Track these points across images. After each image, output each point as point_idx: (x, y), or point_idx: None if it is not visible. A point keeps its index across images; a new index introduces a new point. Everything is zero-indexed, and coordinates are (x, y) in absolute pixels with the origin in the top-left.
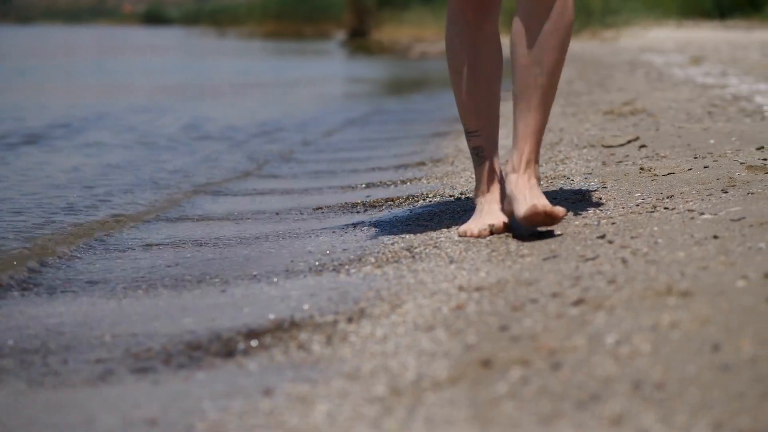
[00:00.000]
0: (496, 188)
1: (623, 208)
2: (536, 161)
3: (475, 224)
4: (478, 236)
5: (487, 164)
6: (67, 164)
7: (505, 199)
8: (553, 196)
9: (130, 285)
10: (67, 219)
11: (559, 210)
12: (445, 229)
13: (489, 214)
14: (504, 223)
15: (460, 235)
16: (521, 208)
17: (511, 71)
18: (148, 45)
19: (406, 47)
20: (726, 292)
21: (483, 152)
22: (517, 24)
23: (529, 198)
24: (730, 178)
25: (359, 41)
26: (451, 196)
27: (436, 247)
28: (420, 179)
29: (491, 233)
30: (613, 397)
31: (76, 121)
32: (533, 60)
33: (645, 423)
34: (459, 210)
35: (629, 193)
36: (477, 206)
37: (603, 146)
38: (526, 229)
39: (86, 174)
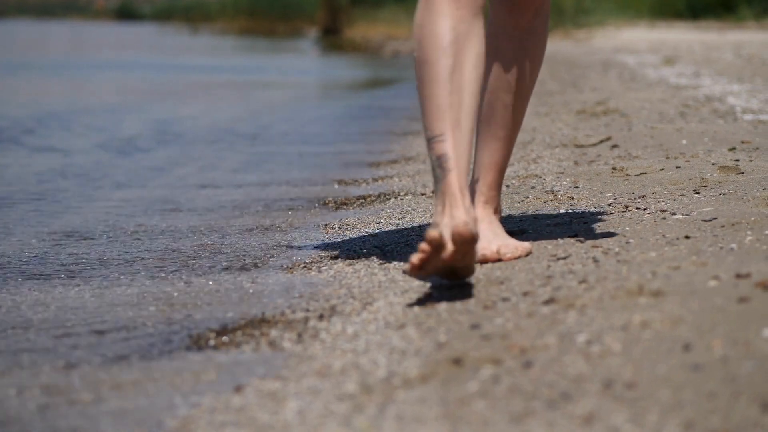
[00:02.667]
0: (460, 208)
1: (595, 207)
2: (498, 192)
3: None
4: (430, 245)
5: (451, 178)
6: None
7: None
8: (524, 195)
9: (100, 273)
10: (46, 209)
11: (518, 251)
12: (417, 228)
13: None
14: (465, 223)
15: (405, 272)
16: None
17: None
18: (120, 41)
19: (379, 45)
20: (697, 293)
21: (447, 162)
22: (489, 43)
23: (485, 235)
24: (702, 178)
25: (332, 39)
26: (422, 194)
27: (407, 245)
28: (392, 177)
29: (446, 249)
30: (584, 397)
31: (41, 119)
32: (504, 84)
33: (616, 422)
34: (431, 208)
35: (601, 193)
36: None
37: (575, 146)
38: None
39: (40, 168)
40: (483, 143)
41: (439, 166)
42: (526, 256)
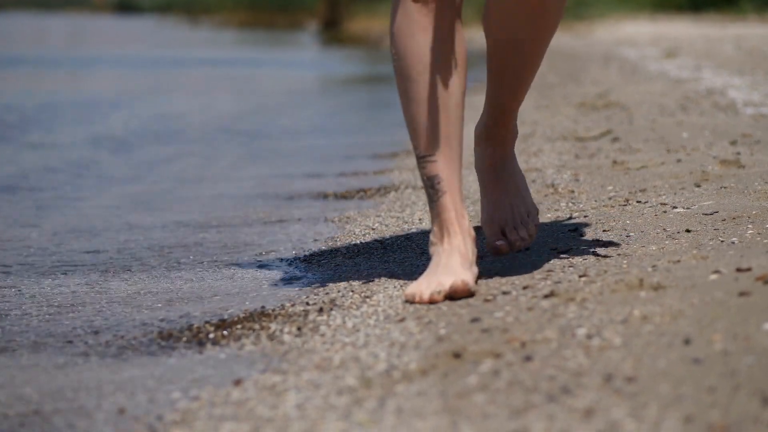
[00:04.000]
0: (458, 235)
1: (596, 201)
2: (509, 131)
3: (426, 284)
4: (429, 302)
5: (446, 200)
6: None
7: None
8: None
9: (99, 268)
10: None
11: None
12: (417, 221)
13: (446, 270)
14: (464, 283)
15: (407, 300)
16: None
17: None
18: (119, 35)
19: (378, 38)
20: (698, 286)
21: (440, 183)
22: (491, 15)
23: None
24: (703, 172)
25: (332, 32)
26: (422, 188)
27: (407, 239)
28: (392, 170)
29: (446, 298)
30: (583, 390)
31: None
32: (510, 51)
33: (615, 416)
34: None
35: (602, 186)
36: (432, 258)
37: (576, 139)
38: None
39: (29, 165)
40: (492, 90)
41: (431, 187)
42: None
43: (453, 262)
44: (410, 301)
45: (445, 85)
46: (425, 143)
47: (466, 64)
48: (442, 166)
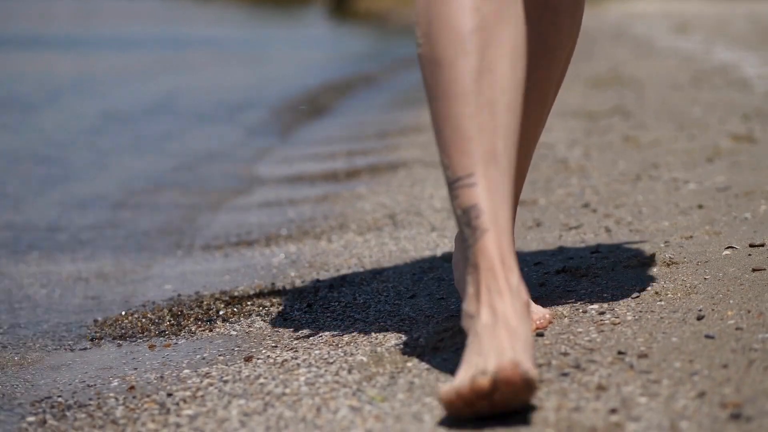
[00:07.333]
0: (505, 297)
1: (607, 176)
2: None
3: (465, 372)
4: (475, 396)
5: (487, 243)
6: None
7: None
8: (535, 165)
9: (109, 247)
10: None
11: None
12: (427, 197)
13: (490, 349)
14: (514, 365)
15: (445, 406)
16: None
17: None
18: (127, 13)
19: (388, 15)
20: (710, 262)
21: (480, 218)
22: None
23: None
24: (716, 147)
25: (342, 8)
26: (432, 164)
27: (417, 214)
28: (402, 148)
29: (493, 387)
30: (596, 366)
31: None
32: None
33: (628, 392)
34: (442, 178)
35: (613, 162)
36: (468, 338)
37: (587, 115)
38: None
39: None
40: None
41: (467, 224)
42: (545, 327)
43: (499, 339)
44: (448, 407)
45: (491, 73)
46: (459, 159)
47: (525, 46)
48: (483, 192)
